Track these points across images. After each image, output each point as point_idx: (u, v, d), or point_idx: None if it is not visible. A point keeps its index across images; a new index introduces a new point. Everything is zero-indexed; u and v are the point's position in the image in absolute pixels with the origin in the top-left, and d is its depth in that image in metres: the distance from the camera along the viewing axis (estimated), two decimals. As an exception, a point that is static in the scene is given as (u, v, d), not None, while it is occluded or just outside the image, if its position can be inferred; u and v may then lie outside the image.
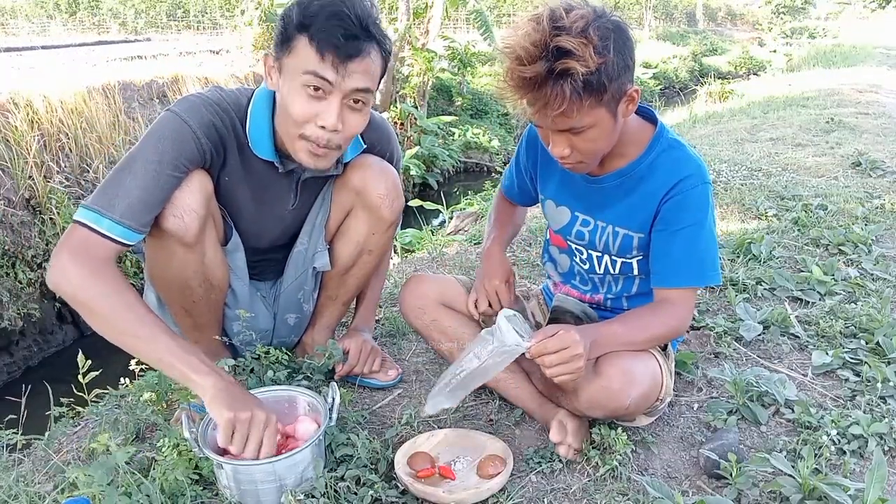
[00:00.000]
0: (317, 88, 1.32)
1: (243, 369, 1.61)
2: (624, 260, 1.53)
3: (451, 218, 4.49)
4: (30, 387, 1.88)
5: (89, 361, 1.57)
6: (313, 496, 1.30)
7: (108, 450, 1.32)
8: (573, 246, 1.59)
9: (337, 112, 1.35)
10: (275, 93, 1.44)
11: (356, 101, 1.38)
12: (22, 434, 1.65)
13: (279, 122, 1.45)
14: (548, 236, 1.71)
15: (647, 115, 1.47)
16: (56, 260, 1.27)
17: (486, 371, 1.32)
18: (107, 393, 1.88)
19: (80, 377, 1.59)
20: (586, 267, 1.60)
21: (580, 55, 1.16)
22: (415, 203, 5.23)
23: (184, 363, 1.26)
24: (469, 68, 11.77)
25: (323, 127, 1.35)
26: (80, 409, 1.73)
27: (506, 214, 1.80)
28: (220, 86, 1.52)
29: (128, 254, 5.18)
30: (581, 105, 1.21)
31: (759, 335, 2.07)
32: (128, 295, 1.28)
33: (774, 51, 21.57)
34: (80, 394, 1.66)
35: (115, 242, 1.31)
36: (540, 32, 1.18)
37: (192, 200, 1.39)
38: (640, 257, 1.51)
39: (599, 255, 1.55)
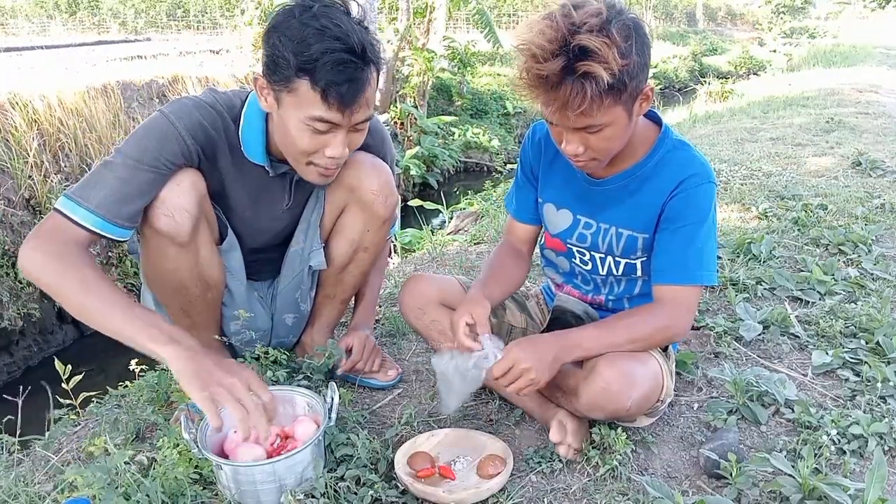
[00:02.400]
0: (323, 130, 1.35)
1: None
2: (628, 261, 1.52)
3: (451, 218, 4.50)
4: (27, 387, 1.88)
5: (69, 367, 1.58)
6: (313, 496, 1.30)
7: (106, 451, 1.32)
8: (573, 249, 1.59)
9: (343, 143, 1.38)
10: None
11: (359, 124, 1.41)
12: (22, 434, 1.65)
13: (280, 144, 1.45)
14: (542, 241, 1.70)
15: (651, 116, 1.46)
16: (25, 244, 1.28)
17: (469, 382, 1.40)
18: (106, 393, 1.89)
19: (63, 384, 1.59)
20: (588, 268, 1.59)
21: (603, 57, 1.15)
22: (415, 203, 5.23)
23: (143, 335, 1.19)
24: (469, 68, 11.76)
25: (332, 157, 1.39)
26: (79, 409, 1.73)
27: (502, 267, 1.62)
28: (215, 88, 1.53)
29: (128, 254, 5.18)
30: (601, 104, 1.20)
31: (759, 335, 2.07)
32: (88, 272, 1.26)
33: (774, 51, 21.49)
34: (70, 402, 1.66)
35: (87, 231, 1.32)
36: (555, 29, 1.17)
37: (183, 200, 1.40)
38: (645, 258, 1.50)
39: (602, 256, 1.54)
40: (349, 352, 1.79)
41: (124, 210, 1.34)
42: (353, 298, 1.92)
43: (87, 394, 1.71)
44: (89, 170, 1.46)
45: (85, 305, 1.25)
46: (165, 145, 1.38)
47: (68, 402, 1.67)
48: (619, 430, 1.46)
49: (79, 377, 1.61)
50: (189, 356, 1.18)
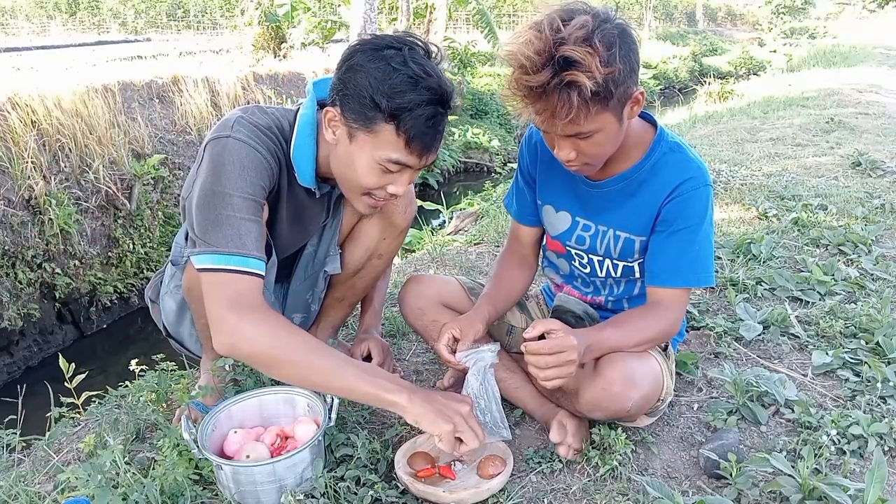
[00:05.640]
0: (394, 171, 1.34)
1: (243, 369, 1.61)
2: (626, 263, 1.52)
3: (451, 218, 4.50)
4: (27, 386, 1.89)
5: (72, 365, 1.58)
6: (313, 496, 1.30)
7: (98, 447, 1.32)
8: (572, 251, 1.59)
9: (407, 181, 1.39)
10: (317, 120, 1.43)
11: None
12: (22, 434, 1.65)
13: (339, 174, 1.43)
14: (544, 242, 1.70)
15: (646, 118, 1.47)
16: (224, 323, 1.25)
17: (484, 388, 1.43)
18: (107, 393, 1.89)
19: (66, 383, 1.59)
20: (587, 271, 1.59)
21: (586, 66, 1.16)
22: (415, 203, 5.21)
23: (374, 386, 1.27)
24: (469, 68, 11.78)
25: (393, 193, 1.39)
26: (80, 409, 1.73)
27: (505, 277, 1.65)
28: (260, 105, 1.48)
29: (129, 252, 5.18)
30: (588, 112, 1.21)
31: (759, 335, 2.07)
32: (306, 336, 1.31)
33: (774, 51, 21.53)
34: (73, 400, 1.66)
35: (261, 278, 1.31)
36: (542, 41, 1.18)
37: None
38: (642, 260, 1.51)
39: (600, 259, 1.55)
40: (368, 357, 1.77)
41: (262, 245, 1.34)
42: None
43: (89, 393, 1.71)
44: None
45: (313, 368, 1.28)
46: (262, 174, 1.36)
47: (70, 401, 1.67)
48: (619, 430, 1.46)
49: (82, 375, 1.61)
50: (422, 399, 1.28)
